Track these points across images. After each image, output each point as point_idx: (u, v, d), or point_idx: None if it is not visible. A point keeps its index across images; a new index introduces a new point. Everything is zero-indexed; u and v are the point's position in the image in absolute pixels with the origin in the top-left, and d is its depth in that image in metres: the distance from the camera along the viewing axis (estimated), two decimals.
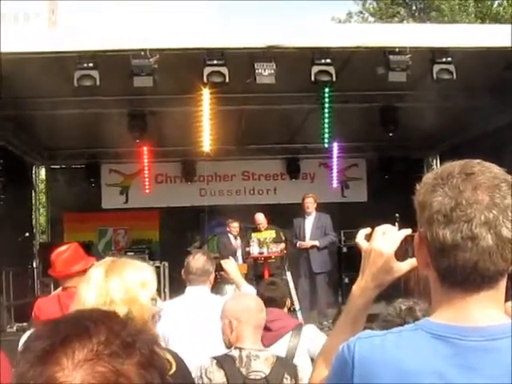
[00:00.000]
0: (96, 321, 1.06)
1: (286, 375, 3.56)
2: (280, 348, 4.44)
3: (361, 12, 30.50)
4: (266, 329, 4.61)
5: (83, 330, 1.04)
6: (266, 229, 11.93)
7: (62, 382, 0.98)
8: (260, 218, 12.05)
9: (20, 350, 1.06)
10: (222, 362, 3.53)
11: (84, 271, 4.60)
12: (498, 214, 1.43)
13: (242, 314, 3.69)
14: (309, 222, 11.66)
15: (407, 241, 1.78)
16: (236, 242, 12.54)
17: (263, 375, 3.50)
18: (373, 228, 1.87)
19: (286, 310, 5.09)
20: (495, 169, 1.50)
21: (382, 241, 1.81)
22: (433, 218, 1.47)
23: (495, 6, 26.98)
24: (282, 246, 11.69)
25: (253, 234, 11.81)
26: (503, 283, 1.49)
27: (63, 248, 4.74)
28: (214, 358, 3.58)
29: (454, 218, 1.44)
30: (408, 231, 1.82)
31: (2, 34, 8.75)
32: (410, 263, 1.79)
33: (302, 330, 4.73)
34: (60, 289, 4.80)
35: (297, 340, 4.61)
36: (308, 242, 11.45)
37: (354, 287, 1.87)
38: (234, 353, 3.57)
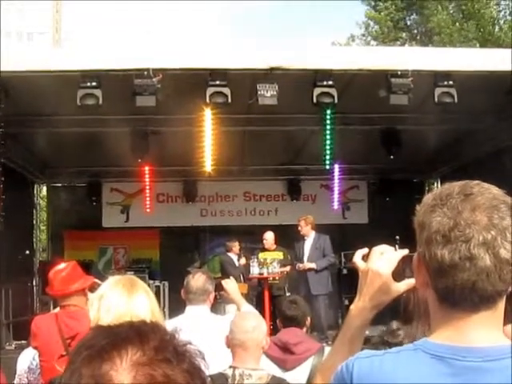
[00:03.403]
0: (150, 328, 1.12)
1: None
2: (303, 371, 4.43)
3: (363, 35, 30.64)
4: (290, 352, 4.60)
5: (138, 334, 1.09)
6: (275, 249, 11.85)
7: (113, 380, 1.03)
8: (267, 236, 11.96)
9: (76, 346, 1.11)
10: (215, 380, 3.58)
11: (82, 290, 4.62)
12: (497, 235, 1.43)
13: (235, 333, 3.76)
14: (307, 244, 11.60)
15: (405, 261, 1.78)
16: (240, 262, 12.47)
17: None
18: (371, 249, 1.87)
19: (305, 329, 5.05)
20: (494, 190, 1.51)
21: (380, 261, 1.80)
22: (431, 238, 1.47)
23: (496, 30, 27.09)
24: (288, 268, 11.61)
25: (260, 254, 11.74)
26: (502, 304, 1.50)
27: (61, 266, 4.70)
28: (209, 376, 3.61)
29: (452, 239, 1.44)
30: (405, 251, 1.82)
31: (7, 52, 8.81)
32: (406, 283, 1.79)
33: (323, 352, 4.71)
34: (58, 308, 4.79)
35: (320, 363, 4.57)
36: (306, 264, 11.40)
37: (352, 307, 1.87)
38: (228, 371, 3.65)
